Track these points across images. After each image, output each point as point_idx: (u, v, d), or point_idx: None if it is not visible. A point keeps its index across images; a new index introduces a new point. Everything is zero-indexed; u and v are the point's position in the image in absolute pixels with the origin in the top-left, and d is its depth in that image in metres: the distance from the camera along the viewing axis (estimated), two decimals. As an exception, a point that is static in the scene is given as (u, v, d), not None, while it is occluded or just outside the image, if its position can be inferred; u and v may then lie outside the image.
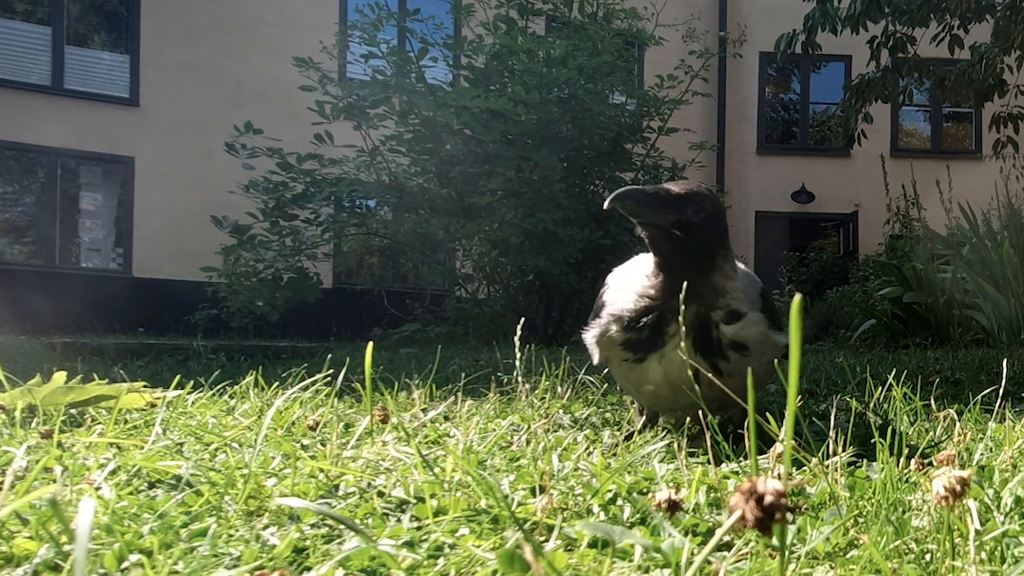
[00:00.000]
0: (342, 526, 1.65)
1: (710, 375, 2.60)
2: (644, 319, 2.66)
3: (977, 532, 1.47)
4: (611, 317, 2.75)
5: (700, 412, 2.39)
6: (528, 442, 2.65)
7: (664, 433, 2.92)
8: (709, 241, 2.67)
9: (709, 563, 1.46)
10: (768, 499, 0.93)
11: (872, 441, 2.16)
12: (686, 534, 1.68)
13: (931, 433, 2.81)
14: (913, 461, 2.14)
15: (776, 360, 2.69)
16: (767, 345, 2.72)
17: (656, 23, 14.97)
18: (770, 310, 2.79)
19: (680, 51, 15.68)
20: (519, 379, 3.47)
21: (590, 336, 2.85)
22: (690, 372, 2.53)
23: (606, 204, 2.54)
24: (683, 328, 2.51)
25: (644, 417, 3.06)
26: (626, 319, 2.70)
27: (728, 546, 1.62)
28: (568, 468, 2.21)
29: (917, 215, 14.27)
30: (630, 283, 2.75)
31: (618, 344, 2.75)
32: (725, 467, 2.29)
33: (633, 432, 2.95)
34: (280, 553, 1.52)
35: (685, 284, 2.51)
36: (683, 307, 2.46)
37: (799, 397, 2.73)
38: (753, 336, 2.69)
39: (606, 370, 3.17)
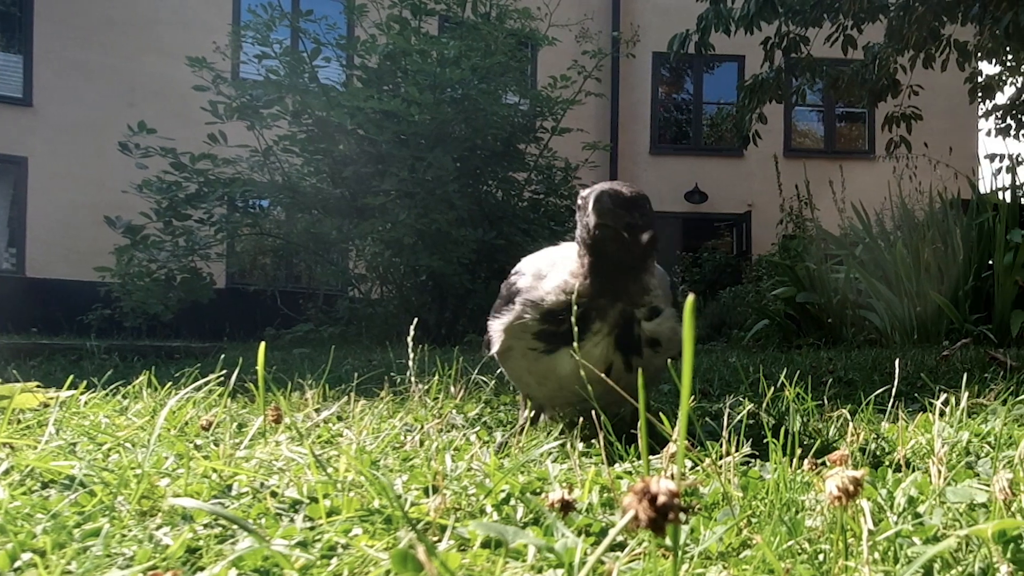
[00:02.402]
0: (235, 526, 1.65)
1: (622, 370, 2.67)
2: (567, 313, 2.62)
3: (870, 532, 1.48)
4: (528, 304, 2.71)
5: (593, 411, 2.39)
6: (421, 442, 2.65)
7: (558, 433, 2.92)
8: (650, 243, 2.67)
9: (602, 563, 1.45)
10: (661, 499, 0.92)
11: (765, 441, 2.18)
12: (579, 534, 1.68)
13: (824, 433, 2.83)
14: (806, 461, 2.16)
15: (670, 359, 2.71)
16: (675, 340, 2.76)
17: (549, 23, 15.06)
18: (678, 303, 2.80)
19: (573, 51, 15.79)
20: (412, 379, 3.46)
21: (499, 323, 2.79)
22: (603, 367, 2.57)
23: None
24: (608, 325, 2.60)
25: (529, 412, 3.04)
26: (547, 310, 2.68)
27: (621, 546, 1.62)
28: (461, 468, 2.21)
29: (810, 215, 14.44)
30: (552, 275, 2.73)
31: (531, 333, 2.72)
32: (618, 467, 2.29)
33: (524, 427, 2.95)
34: (173, 553, 1.52)
35: (616, 282, 2.59)
36: (612, 304, 2.59)
37: (692, 397, 2.74)
38: (666, 331, 2.74)
39: (499, 370, 3.17)
